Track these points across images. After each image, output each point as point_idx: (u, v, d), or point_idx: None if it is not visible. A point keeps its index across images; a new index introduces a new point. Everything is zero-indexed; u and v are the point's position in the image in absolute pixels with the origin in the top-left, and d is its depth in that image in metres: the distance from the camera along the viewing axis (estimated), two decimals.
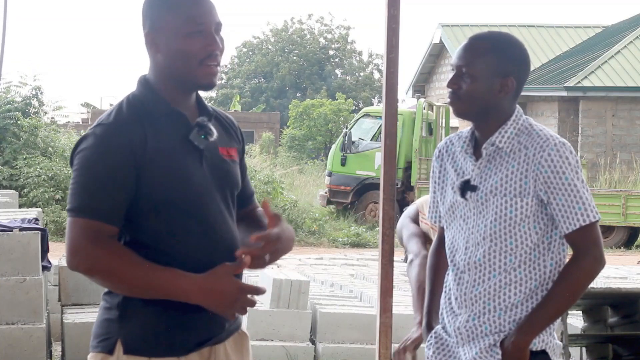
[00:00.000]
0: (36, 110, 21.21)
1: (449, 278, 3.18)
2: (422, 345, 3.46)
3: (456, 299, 3.12)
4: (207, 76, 2.72)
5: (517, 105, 3.12)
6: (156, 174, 2.64)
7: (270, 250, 2.68)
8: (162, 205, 2.65)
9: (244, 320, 7.68)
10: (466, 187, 3.09)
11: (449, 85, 3.08)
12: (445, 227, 3.20)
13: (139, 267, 2.60)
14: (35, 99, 21.39)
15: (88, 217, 2.61)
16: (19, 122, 19.79)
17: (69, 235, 2.63)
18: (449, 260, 3.17)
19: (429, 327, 3.28)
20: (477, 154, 3.11)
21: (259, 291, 2.67)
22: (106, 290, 2.74)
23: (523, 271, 3.04)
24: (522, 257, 3.03)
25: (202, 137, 2.74)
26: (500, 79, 3.05)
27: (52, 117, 22.03)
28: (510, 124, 3.07)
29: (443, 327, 3.20)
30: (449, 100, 3.11)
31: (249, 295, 2.65)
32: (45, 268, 7.21)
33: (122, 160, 2.62)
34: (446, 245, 3.19)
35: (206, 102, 2.85)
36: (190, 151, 2.71)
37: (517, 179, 3.02)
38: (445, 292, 3.20)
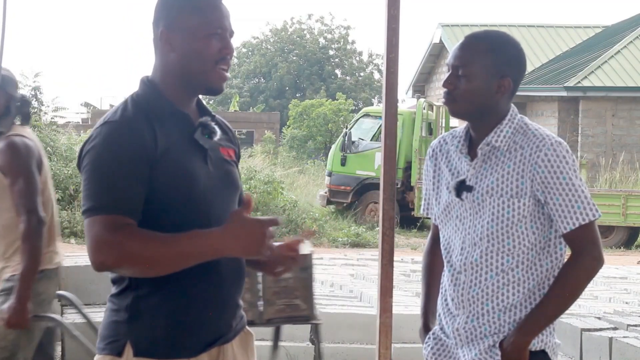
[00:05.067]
0: (35, 110, 21.19)
1: (445, 278, 3.17)
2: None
3: (452, 299, 3.12)
4: (219, 80, 2.74)
5: (512, 104, 3.12)
6: (165, 172, 2.63)
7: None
8: (169, 203, 2.64)
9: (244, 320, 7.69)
10: (462, 188, 3.08)
11: (444, 85, 3.07)
12: (440, 227, 3.19)
13: (164, 241, 2.54)
14: (34, 99, 21.38)
15: (105, 212, 2.55)
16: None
17: (89, 234, 2.56)
18: (445, 261, 3.16)
19: (426, 329, 3.26)
20: (472, 153, 3.10)
21: (276, 221, 2.62)
22: (113, 292, 2.72)
23: (521, 271, 3.03)
24: (520, 257, 3.03)
25: (206, 136, 2.75)
26: (498, 80, 3.05)
27: (52, 118, 22.01)
28: (506, 124, 3.07)
29: (441, 329, 3.20)
30: (444, 100, 3.09)
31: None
32: None
33: (135, 155, 2.60)
34: (442, 245, 3.18)
35: (205, 105, 2.86)
36: (195, 150, 2.72)
37: (513, 179, 3.01)
38: (441, 293, 3.19)
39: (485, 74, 3.03)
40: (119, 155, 2.60)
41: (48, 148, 19.74)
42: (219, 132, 2.79)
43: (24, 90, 21.38)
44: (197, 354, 2.71)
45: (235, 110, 38.78)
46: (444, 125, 21.79)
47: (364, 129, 22.10)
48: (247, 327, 2.89)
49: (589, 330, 7.36)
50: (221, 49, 2.71)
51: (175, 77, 2.74)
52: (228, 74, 2.77)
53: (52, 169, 18.45)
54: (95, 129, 2.68)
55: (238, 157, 2.91)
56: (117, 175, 2.59)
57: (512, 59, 3.08)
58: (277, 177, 21.16)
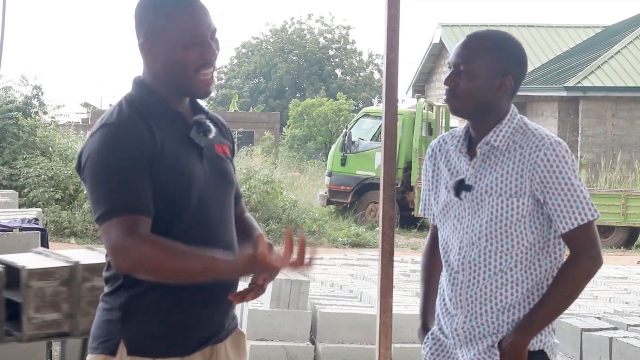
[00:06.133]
0: (36, 110, 21.16)
1: (443, 278, 3.17)
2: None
3: (450, 299, 3.11)
4: (203, 86, 2.75)
5: (512, 104, 3.12)
6: (162, 170, 2.65)
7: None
8: (166, 201, 2.65)
9: (244, 320, 7.70)
10: (461, 187, 3.09)
11: (446, 83, 3.07)
12: (438, 226, 3.19)
13: (182, 255, 2.58)
14: (35, 99, 21.34)
15: (119, 214, 2.58)
16: (19, 122, 19.78)
17: (108, 238, 2.59)
18: (442, 260, 3.16)
19: (425, 329, 3.26)
20: (471, 153, 3.10)
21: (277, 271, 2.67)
22: (106, 291, 2.73)
23: (519, 271, 3.03)
24: (518, 257, 3.03)
25: (202, 134, 2.76)
26: (499, 78, 3.05)
27: (53, 117, 22.00)
28: (505, 123, 3.07)
29: (440, 329, 3.19)
30: (445, 97, 3.10)
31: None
32: None
33: (136, 154, 2.62)
34: (440, 244, 3.18)
35: (198, 102, 2.87)
36: (191, 149, 2.73)
37: (512, 179, 3.01)
38: (440, 293, 3.19)
39: (486, 72, 3.03)
40: (120, 157, 2.61)
41: (49, 148, 19.75)
42: (213, 129, 2.80)
43: (26, 90, 21.35)
44: (191, 353, 2.72)
45: (235, 110, 38.78)
46: (444, 125, 21.79)
47: (364, 129, 22.10)
48: (238, 327, 2.90)
49: (589, 330, 7.36)
50: (202, 55, 2.71)
51: (163, 82, 2.75)
52: (213, 77, 2.77)
53: (52, 169, 18.49)
54: (93, 133, 2.69)
55: (233, 152, 2.92)
56: (122, 175, 2.61)
57: (514, 57, 3.08)
58: (277, 177, 21.15)
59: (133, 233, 2.57)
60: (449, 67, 3.09)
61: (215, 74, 2.79)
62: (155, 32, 2.71)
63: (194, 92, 2.76)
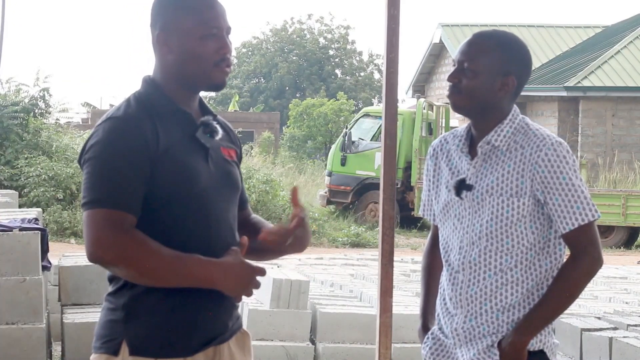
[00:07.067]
0: (42, 111, 21.16)
1: (444, 278, 3.17)
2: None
3: (451, 299, 3.12)
4: (220, 76, 2.76)
5: (514, 105, 3.12)
6: (166, 169, 2.65)
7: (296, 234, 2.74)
8: (169, 200, 2.66)
9: (244, 320, 7.70)
10: (461, 186, 3.09)
11: (449, 79, 3.08)
12: (439, 226, 3.20)
13: (164, 256, 2.58)
14: (42, 100, 21.33)
15: (109, 207, 2.58)
16: (24, 122, 19.77)
17: (90, 227, 2.59)
18: (443, 260, 3.16)
19: (425, 329, 3.26)
20: (472, 152, 3.11)
21: (263, 272, 2.70)
22: (110, 290, 2.73)
23: (519, 271, 3.03)
24: (519, 257, 3.03)
25: (208, 135, 2.76)
26: (502, 78, 3.05)
27: (57, 119, 22.01)
28: (507, 123, 3.07)
29: (440, 328, 3.20)
30: (448, 93, 3.10)
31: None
32: (45, 268, 7.21)
33: (137, 152, 2.62)
34: (440, 244, 3.18)
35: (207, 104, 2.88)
36: (197, 149, 2.74)
37: (513, 179, 3.02)
38: (440, 292, 3.19)
39: (489, 71, 3.04)
40: (121, 151, 2.62)
41: (52, 148, 19.74)
42: (220, 131, 2.81)
43: (33, 91, 21.32)
44: (193, 354, 2.71)
45: (235, 110, 38.78)
46: (444, 125, 21.80)
47: (364, 129, 22.12)
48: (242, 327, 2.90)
49: (589, 330, 7.35)
50: (218, 50, 2.73)
51: (175, 77, 2.76)
52: (230, 69, 2.78)
53: (53, 168, 18.49)
54: (98, 125, 2.71)
55: (239, 158, 2.92)
56: (119, 170, 2.62)
57: (517, 58, 3.10)
58: (276, 177, 21.14)
59: (120, 228, 2.57)
60: (454, 65, 3.10)
61: (230, 70, 2.81)
62: (173, 22, 2.73)
63: (210, 82, 2.76)
